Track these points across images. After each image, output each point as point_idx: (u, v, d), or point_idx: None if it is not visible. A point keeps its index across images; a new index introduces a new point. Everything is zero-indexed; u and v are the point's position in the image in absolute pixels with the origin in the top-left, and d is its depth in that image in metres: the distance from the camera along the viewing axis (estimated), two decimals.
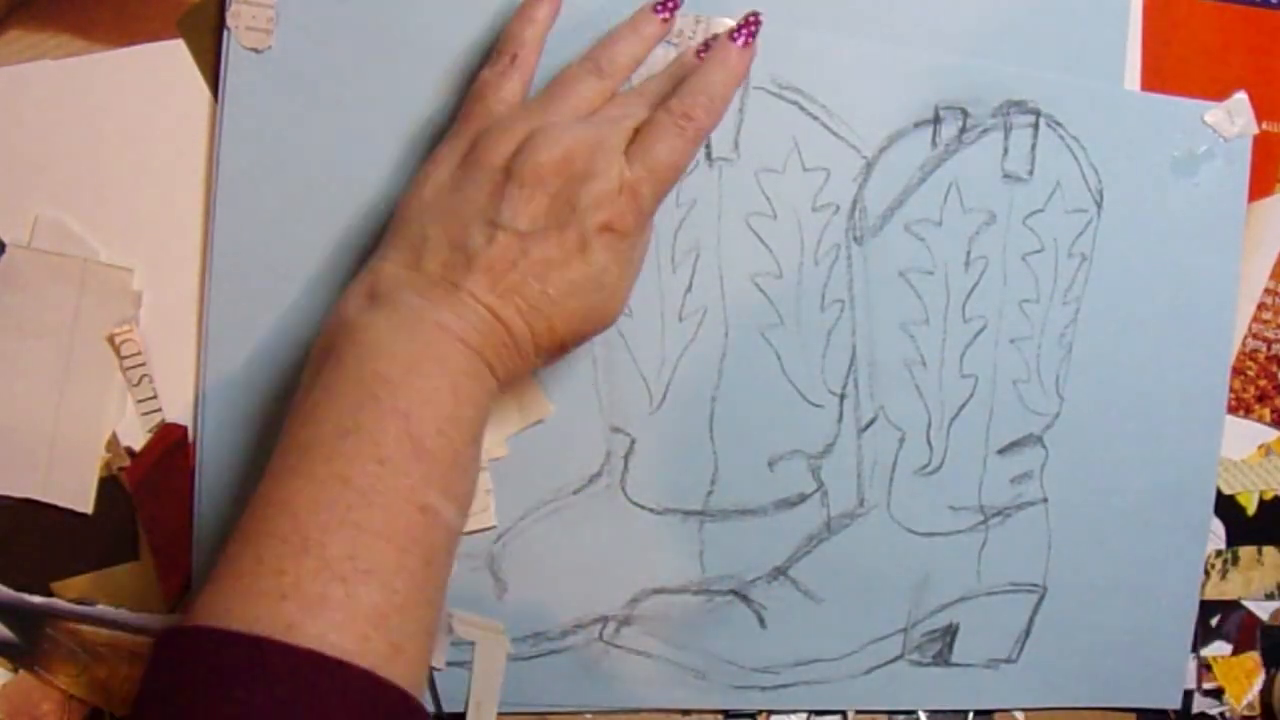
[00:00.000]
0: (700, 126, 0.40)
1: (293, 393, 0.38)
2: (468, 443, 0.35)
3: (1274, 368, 0.54)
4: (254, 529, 0.32)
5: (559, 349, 0.39)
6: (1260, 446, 0.55)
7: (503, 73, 0.40)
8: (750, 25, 0.41)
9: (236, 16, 0.44)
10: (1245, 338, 0.54)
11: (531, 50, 0.41)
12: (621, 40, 0.42)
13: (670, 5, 0.43)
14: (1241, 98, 0.52)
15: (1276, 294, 0.54)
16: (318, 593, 0.30)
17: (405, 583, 0.32)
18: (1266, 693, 0.56)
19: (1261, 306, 0.54)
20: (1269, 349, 0.54)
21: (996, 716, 0.55)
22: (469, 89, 0.42)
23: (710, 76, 0.40)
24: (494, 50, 0.41)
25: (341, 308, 0.38)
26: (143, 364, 0.46)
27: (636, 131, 0.39)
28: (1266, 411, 0.55)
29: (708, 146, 0.48)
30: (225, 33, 0.44)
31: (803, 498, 0.51)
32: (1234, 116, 0.52)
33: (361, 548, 0.31)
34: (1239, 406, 0.54)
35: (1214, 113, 0.52)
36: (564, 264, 0.37)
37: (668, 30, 0.43)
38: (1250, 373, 0.54)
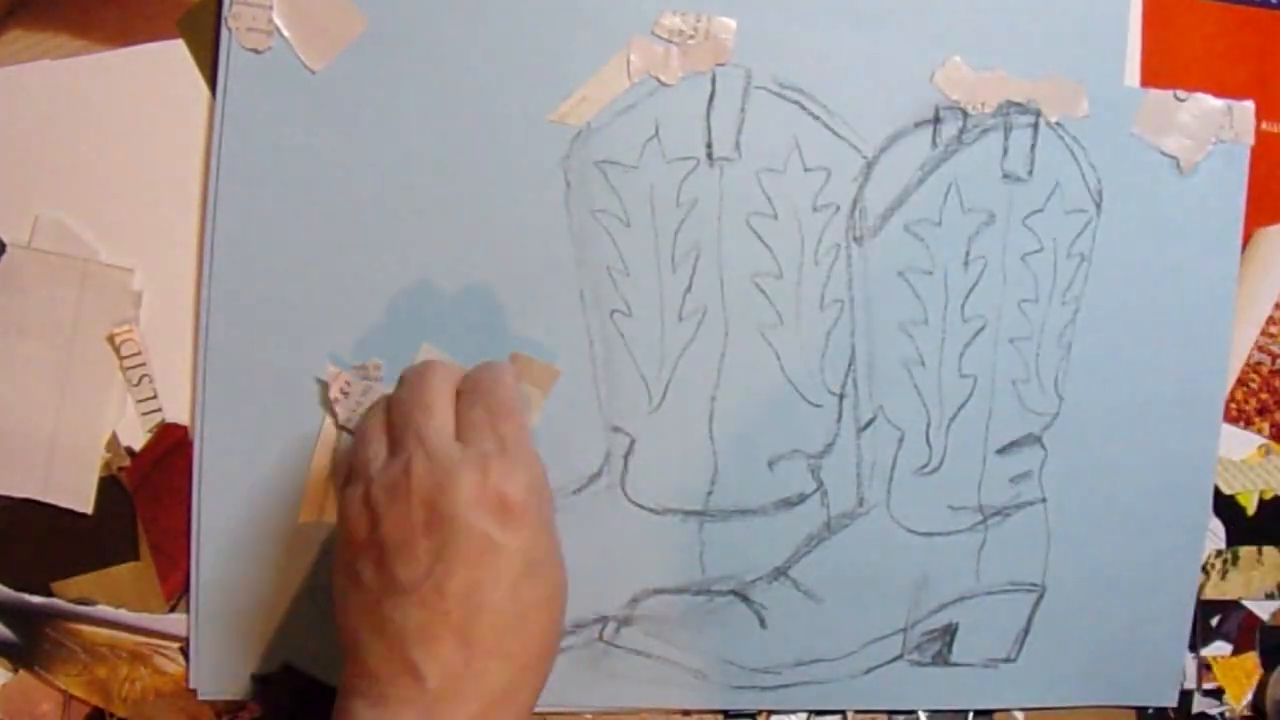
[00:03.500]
0: None
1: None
2: None
3: (1277, 382, 0.54)
4: None
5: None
6: (1260, 446, 0.55)
7: None
8: None
9: (236, 17, 0.44)
10: (1252, 349, 0.54)
11: None
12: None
13: None
14: (1245, 104, 0.52)
15: None
16: None
17: None
18: (1259, 695, 0.56)
19: (1271, 320, 0.54)
20: (1274, 363, 0.54)
21: (996, 716, 0.55)
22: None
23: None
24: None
25: None
26: (143, 364, 0.46)
27: None
28: (1266, 425, 0.55)
29: (709, 146, 0.48)
30: (225, 33, 0.44)
31: (802, 498, 0.51)
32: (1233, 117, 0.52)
33: None
34: (1239, 417, 0.54)
35: None
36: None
37: None
38: (1253, 385, 0.54)
